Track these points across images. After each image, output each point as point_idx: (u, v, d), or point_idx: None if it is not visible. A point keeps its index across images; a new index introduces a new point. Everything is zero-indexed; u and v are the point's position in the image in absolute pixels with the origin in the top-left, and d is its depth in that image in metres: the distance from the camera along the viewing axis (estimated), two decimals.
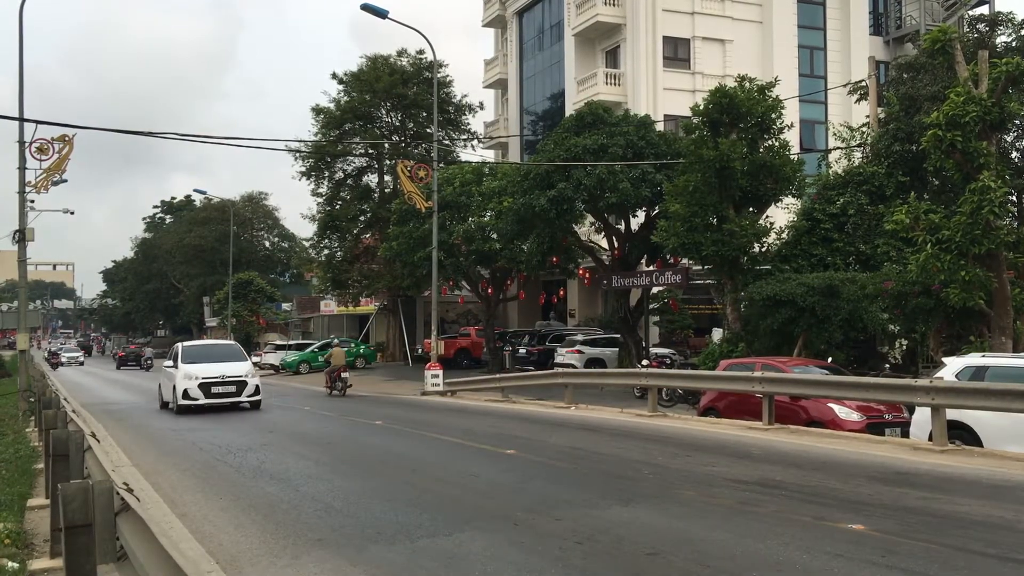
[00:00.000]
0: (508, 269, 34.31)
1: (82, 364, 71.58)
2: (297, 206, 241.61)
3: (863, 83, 29.11)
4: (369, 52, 65.75)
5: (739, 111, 21.37)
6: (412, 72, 44.50)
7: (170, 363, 22.38)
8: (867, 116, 26.85)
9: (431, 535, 7.66)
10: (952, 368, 12.34)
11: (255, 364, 45.97)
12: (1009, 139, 22.49)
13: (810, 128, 37.69)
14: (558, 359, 29.38)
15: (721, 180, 21.34)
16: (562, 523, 7.91)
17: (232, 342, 28.15)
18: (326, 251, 46.96)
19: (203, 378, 20.83)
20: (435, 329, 29.06)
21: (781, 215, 25.28)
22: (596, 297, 38.79)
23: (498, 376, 26.89)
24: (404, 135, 45.02)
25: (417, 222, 33.23)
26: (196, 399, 20.68)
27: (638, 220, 28.97)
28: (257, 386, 21.57)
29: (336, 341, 39.35)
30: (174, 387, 21.07)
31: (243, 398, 21.24)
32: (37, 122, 21.36)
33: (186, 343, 24.23)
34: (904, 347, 21.01)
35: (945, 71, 21.01)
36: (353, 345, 46.81)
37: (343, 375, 27.86)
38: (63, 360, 68.79)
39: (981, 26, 27.33)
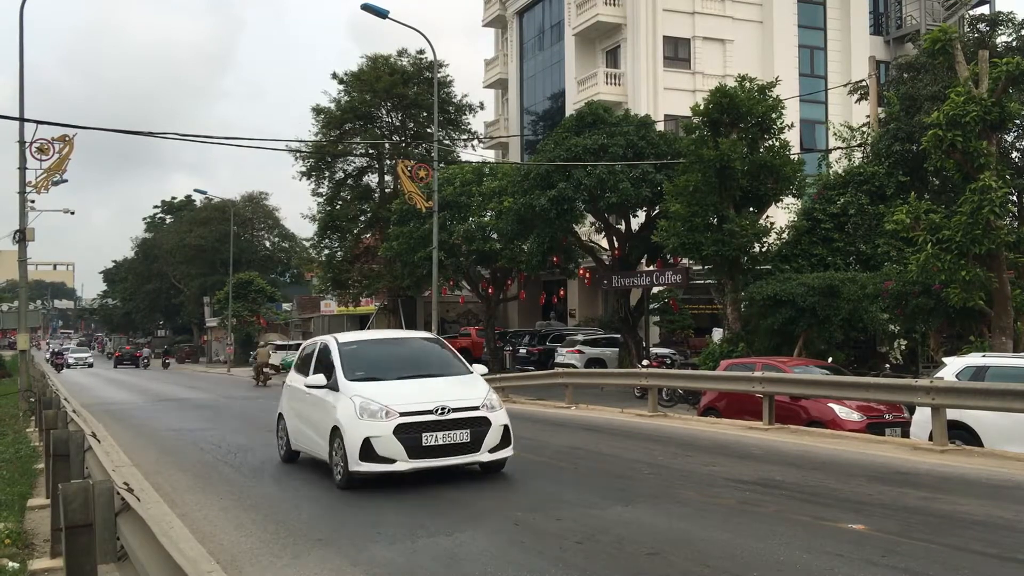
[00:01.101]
0: (508, 269, 34.30)
1: (91, 366, 64.98)
2: (297, 206, 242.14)
3: (863, 83, 29.12)
4: (369, 52, 65.83)
5: (739, 111, 21.37)
6: (412, 72, 44.49)
7: (318, 380, 10.95)
8: (867, 116, 26.87)
9: (431, 535, 7.67)
10: (952, 368, 12.34)
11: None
12: (1009, 139, 22.50)
13: (810, 128, 37.69)
14: (558, 359, 29.39)
15: (721, 180, 21.35)
16: (562, 523, 7.92)
17: (427, 334, 15.13)
18: (326, 251, 46.94)
19: (403, 413, 9.89)
20: (435, 329, 29.04)
21: (781, 215, 25.29)
22: (596, 297, 38.80)
23: (498, 376, 26.86)
24: (404, 135, 45.01)
25: (417, 222, 33.22)
26: (391, 459, 9.77)
27: (638, 220, 28.98)
28: (506, 427, 10.40)
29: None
30: (337, 431, 10.17)
31: (482, 454, 10.18)
32: (37, 122, 21.35)
33: (343, 338, 11.85)
34: (904, 347, 21.01)
35: (945, 71, 21.02)
36: None
37: (265, 369, 35.60)
38: (69, 361, 63.14)
39: (981, 26, 27.35)
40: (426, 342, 12.56)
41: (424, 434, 9.81)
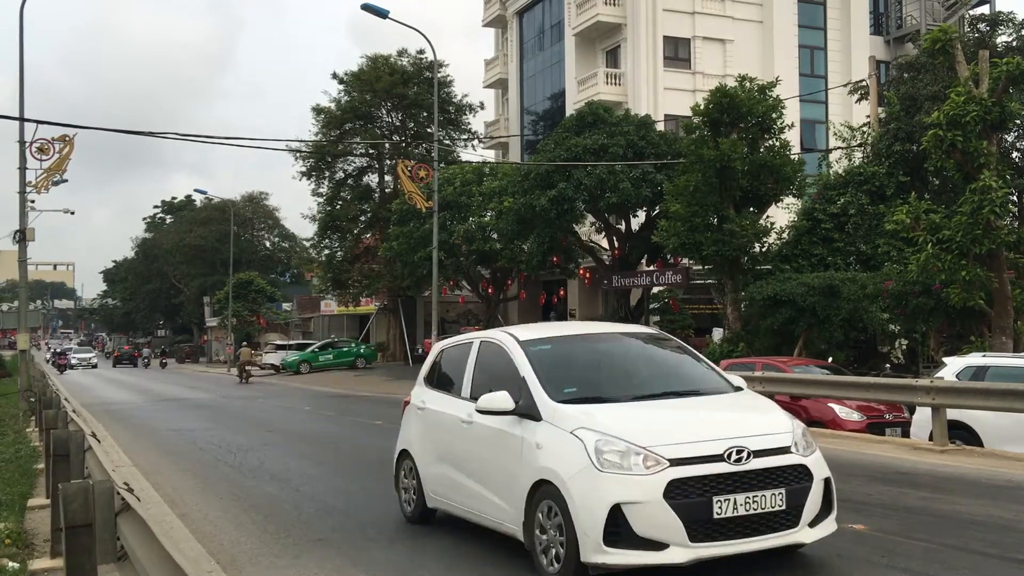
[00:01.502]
0: (508, 269, 34.32)
1: (95, 367, 62.40)
2: (297, 206, 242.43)
3: (863, 83, 29.12)
4: (369, 52, 65.82)
5: (739, 111, 21.37)
6: (412, 72, 44.52)
7: (500, 403, 6.45)
8: (867, 116, 26.86)
9: (433, 535, 7.66)
10: (953, 368, 12.33)
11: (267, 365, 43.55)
12: (1010, 139, 22.48)
13: (811, 128, 37.65)
14: None
15: (722, 180, 21.35)
16: None
17: (642, 328, 9.08)
18: (326, 251, 47.00)
19: (673, 460, 5.59)
20: (435, 329, 29.06)
21: (781, 215, 25.28)
22: (596, 297, 38.74)
23: None
24: (404, 135, 45.02)
25: (417, 222, 33.24)
26: (661, 543, 5.48)
27: (638, 220, 28.99)
28: (827, 482, 6.04)
29: (334, 339, 39.45)
30: (547, 489, 5.90)
31: (800, 529, 5.81)
32: (37, 122, 21.38)
33: (524, 334, 7.17)
34: (904, 347, 21.01)
35: (946, 71, 21.01)
36: (353, 345, 46.87)
37: (246, 368, 38.27)
38: (72, 362, 61.25)
39: (982, 26, 27.36)
40: (645, 340, 7.67)
41: (715, 498, 5.60)
